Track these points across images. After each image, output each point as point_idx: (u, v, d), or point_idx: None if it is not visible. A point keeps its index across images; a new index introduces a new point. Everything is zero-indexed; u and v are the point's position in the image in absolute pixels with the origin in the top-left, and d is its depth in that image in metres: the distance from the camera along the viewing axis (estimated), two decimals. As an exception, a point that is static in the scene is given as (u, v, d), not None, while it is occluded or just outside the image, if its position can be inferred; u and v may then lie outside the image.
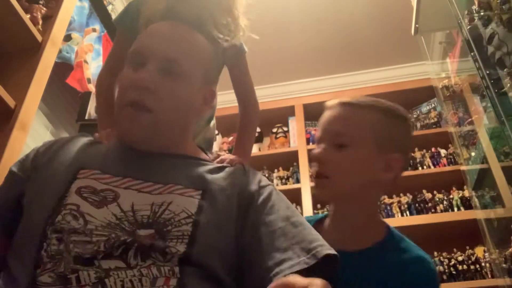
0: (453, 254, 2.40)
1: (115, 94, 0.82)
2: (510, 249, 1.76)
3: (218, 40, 0.99)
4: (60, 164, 0.78)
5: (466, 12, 1.63)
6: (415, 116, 2.99)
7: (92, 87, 2.02)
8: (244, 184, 0.81)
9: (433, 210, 2.55)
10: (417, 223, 2.46)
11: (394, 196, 2.66)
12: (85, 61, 1.98)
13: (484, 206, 2.08)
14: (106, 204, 0.70)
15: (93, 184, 0.73)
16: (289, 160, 2.90)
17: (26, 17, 1.42)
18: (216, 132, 1.49)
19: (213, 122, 1.20)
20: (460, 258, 2.36)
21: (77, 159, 0.79)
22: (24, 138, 1.34)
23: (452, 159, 2.69)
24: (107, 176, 0.75)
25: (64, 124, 2.10)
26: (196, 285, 0.66)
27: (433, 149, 2.78)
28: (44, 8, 1.54)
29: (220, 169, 0.84)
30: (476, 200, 2.21)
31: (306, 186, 2.70)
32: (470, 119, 2.22)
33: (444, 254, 2.41)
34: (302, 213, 2.60)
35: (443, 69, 2.55)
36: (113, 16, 2.33)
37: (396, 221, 2.51)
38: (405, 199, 2.64)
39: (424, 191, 2.62)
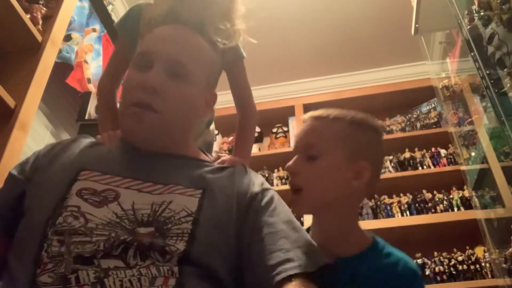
0: (453, 254, 2.40)
1: (120, 94, 0.84)
2: (510, 249, 1.76)
3: (217, 44, 1.01)
4: (62, 166, 0.79)
5: (466, 12, 1.63)
6: (415, 116, 2.99)
7: (92, 87, 2.02)
8: (245, 185, 0.82)
9: (433, 210, 2.55)
10: (417, 223, 2.46)
11: (394, 196, 2.66)
12: (85, 61, 1.98)
13: (484, 206, 2.09)
14: (106, 204, 0.71)
15: (93, 185, 0.74)
16: (289, 160, 2.88)
17: (26, 17, 1.42)
18: (216, 132, 1.50)
19: (212, 126, 1.22)
20: (460, 258, 2.36)
21: (78, 160, 0.80)
22: (24, 138, 1.34)
23: (452, 159, 2.69)
24: (108, 177, 0.76)
25: (64, 124, 2.10)
26: (195, 285, 0.66)
27: (433, 149, 2.78)
28: (44, 8, 1.54)
29: (220, 170, 0.85)
30: (476, 200, 2.21)
31: (306, 186, 2.70)
32: (470, 119, 2.22)
33: (444, 254, 2.41)
34: (302, 213, 2.61)
35: (443, 69, 2.55)
36: (113, 16, 2.33)
37: (396, 221, 2.51)
38: (405, 199, 2.63)
39: (424, 191, 2.62)
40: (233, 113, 1.17)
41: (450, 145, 2.74)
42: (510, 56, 1.43)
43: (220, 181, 0.81)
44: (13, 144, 1.28)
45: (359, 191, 0.90)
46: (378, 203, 2.63)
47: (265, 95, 3.14)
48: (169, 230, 0.69)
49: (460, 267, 2.33)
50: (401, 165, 2.76)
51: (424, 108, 3.02)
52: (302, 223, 2.45)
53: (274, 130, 3.14)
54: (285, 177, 2.88)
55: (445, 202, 2.55)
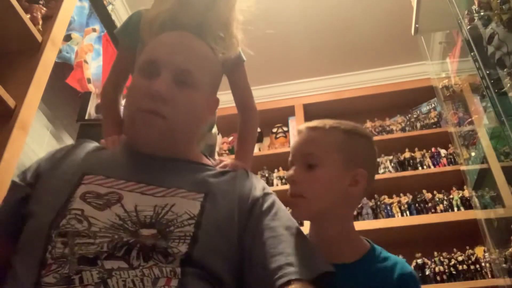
0: (453, 254, 2.40)
1: (126, 100, 0.85)
2: (510, 249, 1.76)
3: (216, 49, 1.02)
4: (66, 170, 0.80)
5: (466, 12, 1.63)
6: (415, 116, 2.99)
7: (92, 87, 2.02)
8: (247, 189, 0.83)
9: (433, 210, 2.55)
10: (417, 223, 2.46)
11: (394, 196, 2.66)
12: (85, 61, 1.98)
13: (484, 206, 2.09)
14: (109, 206, 0.72)
15: (97, 189, 0.75)
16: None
17: (26, 17, 1.42)
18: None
19: (214, 129, 1.23)
20: (460, 258, 2.36)
21: (82, 165, 0.81)
22: (24, 138, 1.35)
23: (452, 159, 2.69)
24: (111, 180, 0.77)
25: (64, 124, 2.10)
26: (197, 286, 0.67)
27: (433, 149, 2.78)
28: (44, 8, 1.54)
29: (222, 174, 0.86)
30: (476, 200, 2.21)
31: (306, 186, 2.70)
32: (470, 119, 2.22)
33: (444, 254, 2.41)
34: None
35: (443, 69, 2.55)
36: (113, 16, 2.33)
37: (396, 221, 2.51)
38: (405, 199, 2.63)
39: (424, 191, 2.62)
40: (233, 113, 1.17)
41: (450, 145, 2.74)
42: (510, 56, 1.43)
43: (222, 185, 0.82)
44: (13, 144, 1.28)
45: (356, 196, 0.96)
46: (378, 203, 2.63)
47: (265, 95, 3.14)
48: (172, 232, 0.70)
49: (460, 267, 2.33)
50: (401, 165, 2.77)
51: (424, 108, 3.02)
52: (302, 223, 2.44)
53: (274, 130, 3.14)
54: (285, 177, 2.88)
55: (445, 202, 2.55)
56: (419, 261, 2.40)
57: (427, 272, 2.36)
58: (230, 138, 3.13)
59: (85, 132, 1.93)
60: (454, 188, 2.60)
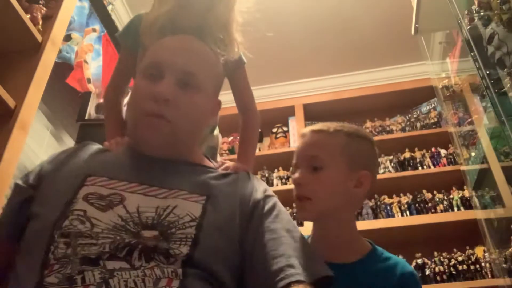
0: (453, 254, 2.39)
1: (129, 102, 0.87)
2: (510, 249, 1.76)
3: (218, 52, 1.02)
4: (69, 172, 0.81)
5: (466, 12, 1.63)
6: (415, 116, 2.99)
7: (92, 87, 2.02)
8: (248, 191, 0.83)
9: (433, 210, 2.54)
10: (417, 223, 2.46)
11: (394, 196, 2.66)
12: (85, 61, 1.98)
13: (484, 206, 2.09)
14: (112, 207, 0.73)
15: (99, 190, 0.75)
16: (289, 160, 2.84)
17: (26, 17, 1.42)
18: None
19: (216, 131, 1.24)
20: (460, 258, 2.36)
21: (85, 166, 0.82)
22: (24, 138, 1.35)
23: (452, 159, 2.69)
24: (114, 182, 0.77)
25: (64, 124, 2.10)
26: (198, 287, 0.67)
27: (433, 149, 2.78)
28: (44, 8, 1.54)
29: (224, 176, 0.87)
30: (476, 200, 2.21)
31: (306, 186, 2.70)
32: (470, 119, 2.22)
33: (444, 254, 2.41)
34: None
35: (443, 69, 2.56)
36: (113, 16, 2.33)
37: (396, 221, 2.51)
38: (405, 199, 2.63)
39: (424, 191, 2.62)
40: (233, 113, 1.17)
41: (450, 145, 2.74)
42: (510, 56, 1.43)
43: (224, 187, 0.82)
44: (13, 144, 1.28)
45: (360, 198, 0.99)
46: (378, 203, 2.63)
47: (265, 95, 3.14)
48: (173, 234, 0.70)
49: (460, 267, 2.33)
50: (401, 165, 2.77)
51: (424, 108, 3.02)
52: (302, 223, 2.44)
53: (274, 130, 3.14)
54: (285, 177, 2.88)
55: (445, 202, 2.55)
56: (419, 261, 2.40)
57: (427, 272, 2.36)
58: (230, 138, 3.13)
59: (85, 132, 1.93)
60: (454, 188, 2.60)
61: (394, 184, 2.63)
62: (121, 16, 2.68)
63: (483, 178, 2.05)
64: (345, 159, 0.94)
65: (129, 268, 0.65)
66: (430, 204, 2.57)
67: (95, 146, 0.91)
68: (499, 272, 1.92)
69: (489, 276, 2.24)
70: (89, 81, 1.99)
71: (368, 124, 3.05)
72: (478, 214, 2.18)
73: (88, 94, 2.04)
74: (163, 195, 0.76)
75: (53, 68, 1.52)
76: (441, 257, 2.40)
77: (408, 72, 3.12)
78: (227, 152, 3.04)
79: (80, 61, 1.96)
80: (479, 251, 2.37)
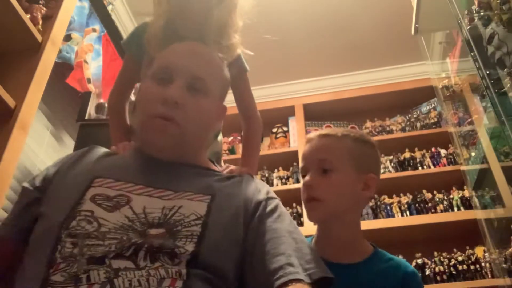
0: (453, 254, 2.40)
1: (137, 106, 0.89)
2: (510, 249, 1.76)
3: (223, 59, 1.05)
4: (77, 174, 0.83)
5: (466, 12, 1.64)
6: (415, 116, 2.99)
7: (92, 87, 2.02)
8: (252, 192, 0.85)
9: (433, 210, 2.55)
10: (417, 223, 2.46)
11: (394, 196, 2.66)
12: (85, 61, 1.98)
13: (484, 206, 2.09)
14: (119, 208, 0.74)
15: (106, 192, 0.77)
16: (289, 160, 2.90)
17: (26, 17, 1.42)
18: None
19: (220, 137, 1.26)
20: (460, 258, 2.36)
21: (93, 169, 0.84)
22: (24, 138, 1.35)
23: (452, 159, 2.69)
24: (120, 183, 0.79)
25: (64, 124, 2.10)
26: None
27: (433, 149, 2.78)
28: (44, 8, 1.54)
29: (229, 178, 0.89)
30: (476, 200, 2.21)
31: (306, 186, 2.70)
32: (470, 119, 2.22)
33: (444, 254, 2.41)
34: (302, 213, 2.61)
35: (443, 69, 2.56)
36: (113, 16, 2.33)
37: (396, 221, 2.51)
38: (405, 199, 2.63)
39: (424, 191, 2.62)
40: (233, 113, 1.18)
41: (450, 145, 2.74)
42: (510, 56, 1.43)
43: (228, 188, 0.84)
44: (13, 144, 1.28)
45: (367, 200, 1.05)
46: (378, 203, 2.63)
47: (265, 95, 3.14)
48: (179, 231, 0.71)
49: (460, 267, 2.33)
50: (401, 165, 2.77)
51: (424, 108, 3.02)
52: (302, 223, 2.43)
53: (274, 130, 3.14)
54: (285, 177, 2.88)
55: (445, 202, 2.55)
56: (419, 261, 2.40)
57: (427, 272, 2.36)
58: (230, 138, 3.13)
59: (85, 132, 1.93)
60: (454, 188, 2.60)
61: (394, 184, 2.63)
62: (121, 16, 2.68)
63: (483, 178, 2.05)
64: (353, 163, 0.98)
65: (134, 268, 0.66)
66: (430, 204, 2.57)
67: (102, 150, 0.93)
68: (499, 272, 1.92)
69: (489, 276, 2.24)
70: (89, 81, 1.99)
71: (368, 124, 3.05)
72: (478, 214, 2.18)
73: (88, 94, 2.04)
74: (168, 197, 0.77)
75: (53, 68, 1.52)
76: (441, 257, 2.40)
77: (408, 72, 3.12)
78: (227, 152, 3.04)
79: (80, 61, 1.96)
80: (479, 251, 2.37)
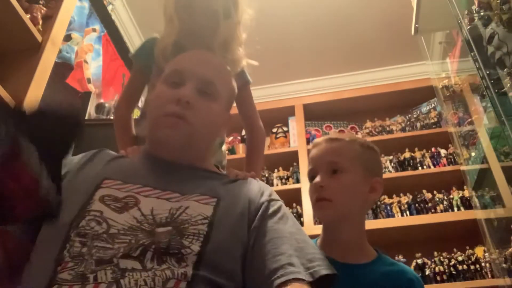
0: (453, 254, 2.40)
1: (149, 109, 0.93)
2: (510, 249, 1.76)
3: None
4: (86, 175, 0.85)
5: (466, 12, 1.64)
6: (415, 116, 2.99)
7: (92, 87, 2.02)
8: (256, 194, 0.86)
9: (433, 210, 2.55)
10: (417, 223, 2.46)
11: (394, 196, 2.66)
12: (85, 61, 1.98)
13: (484, 206, 2.09)
14: (127, 209, 0.75)
15: (114, 193, 0.79)
16: (289, 160, 2.90)
17: (26, 17, 1.42)
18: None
19: (223, 147, 1.30)
20: (460, 258, 2.36)
21: (102, 170, 0.86)
22: (24, 138, 1.34)
23: (452, 159, 2.69)
24: (129, 185, 0.81)
25: (64, 124, 2.10)
26: None
27: (433, 149, 2.78)
28: (44, 8, 1.54)
29: (234, 181, 0.91)
30: (476, 200, 2.21)
31: (306, 186, 2.70)
32: (470, 119, 2.22)
33: (444, 254, 2.41)
34: (302, 213, 2.61)
35: (443, 69, 2.55)
36: (113, 16, 2.33)
37: (396, 221, 2.51)
38: (405, 199, 2.63)
39: (424, 191, 2.62)
40: (233, 112, 1.18)
41: (450, 145, 2.74)
42: (510, 56, 1.43)
43: (233, 190, 0.86)
44: (13, 144, 1.28)
45: (372, 203, 1.14)
46: (378, 203, 2.63)
47: (265, 95, 3.14)
48: (186, 229, 0.73)
49: (460, 267, 2.33)
50: (401, 165, 2.77)
51: (424, 108, 3.02)
52: (302, 223, 2.44)
53: (274, 130, 3.14)
54: (285, 177, 2.88)
55: (445, 202, 2.55)
56: (419, 261, 2.40)
57: (427, 272, 2.36)
58: (230, 138, 3.14)
59: (85, 132, 1.93)
60: (454, 188, 2.60)
61: (394, 184, 2.63)
62: (121, 16, 2.68)
63: (483, 178, 2.05)
64: (361, 166, 1.03)
65: (140, 269, 0.67)
66: (430, 204, 2.57)
67: (112, 153, 0.95)
68: (499, 272, 1.92)
69: (489, 276, 2.24)
70: (89, 81, 1.99)
71: (368, 124, 3.05)
72: (478, 214, 2.18)
73: (88, 94, 2.04)
74: (175, 199, 0.79)
75: (53, 68, 1.52)
76: (441, 257, 2.40)
77: (408, 72, 3.12)
78: (227, 152, 3.04)
79: (80, 61, 1.96)
80: (479, 251, 2.37)
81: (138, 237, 0.71)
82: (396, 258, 2.45)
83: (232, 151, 3.05)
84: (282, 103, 3.16)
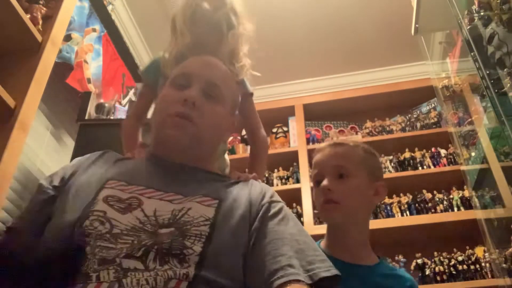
0: (453, 254, 2.40)
1: (155, 111, 0.95)
2: (510, 249, 1.76)
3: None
4: (91, 176, 0.86)
5: (466, 12, 1.63)
6: (415, 116, 2.99)
7: (92, 87, 2.02)
8: (258, 195, 0.87)
9: (433, 210, 2.55)
10: (417, 223, 2.46)
11: (394, 196, 2.66)
12: (85, 61, 1.98)
13: (484, 206, 2.09)
14: (130, 210, 0.76)
15: (118, 194, 0.80)
16: (289, 160, 2.90)
17: (26, 17, 1.42)
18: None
19: (226, 155, 1.35)
20: (460, 258, 2.36)
21: (107, 171, 0.87)
22: (24, 138, 1.35)
23: (452, 159, 2.69)
24: (132, 187, 0.82)
25: (64, 124, 2.10)
26: None
27: (433, 149, 2.78)
28: (44, 8, 1.54)
29: (236, 183, 0.92)
30: (476, 200, 2.21)
31: (306, 186, 2.70)
32: (470, 119, 2.22)
33: (444, 254, 2.41)
34: (302, 213, 2.61)
35: (443, 69, 2.55)
36: (113, 16, 2.33)
37: (396, 221, 2.51)
38: (405, 199, 2.63)
39: (424, 191, 2.62)
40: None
41: (450, 145, 2.74)
42: (510, 56, 1.43)
43: (235, 192, 0.86)
44: (13, 144, 1.28)
45: (375, 206, 1.10)
46: (378, 203, 2.63)
47: (265, 95, 3.14)
48: (188, 230, 0.74)
49: (460, 267, 2.33)
50: (401, 165, 2.77)
51: (424, 108, 3.02)
52: (302, 223, 2.44)
53: (274, 130, 3.14)
54: (285, 177, 2.88)
55: (445, 202, 2.55)
56: (419, 261, 2.40)
57: (427, 272, 2.36)
58: (230, 138, 3.13)
59: (85, 132, 1.93)
60: (454, 188, 2.60)
61: (394, 184, 2.63)
62: (121, 16, 2.68)
63: (483, 178, 2.05)
64: (366, 170, 1.06)
65: (143, 269, 0.67)
66: (430, 204, 2.57)
67: (117, 154, 0.97)
68: (499, 272, 1.92)
69: (489, 276, 2.24)
70: (89, 81, 1.99)
71: (368, 124, 3.05)
72: (478, 214, 2.18)
73: (88, 94, 2.04)
74: (178, 201, 0.80)
75: (53, 68, 1.52)
76: (441, 257, 2.40)
77: (408, 72, 3.12)
78: (228, 153, 3.04)
79: (80, 61, 1.96)
80: (479, 251, 2.37)
81: (140, 237, 0.71)
82: (396, 258, 2.46)
83: (232, 151, 3.05)
84: (282, 103, 3.16)
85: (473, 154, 2.14)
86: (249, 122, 1.30)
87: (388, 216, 2.57)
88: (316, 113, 3.10)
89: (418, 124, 2.93)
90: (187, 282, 0.67)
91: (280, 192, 0.97)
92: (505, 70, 1.44)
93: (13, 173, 1.32)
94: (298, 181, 2.80)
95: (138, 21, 2.79)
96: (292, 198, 2.64)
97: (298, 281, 0.69)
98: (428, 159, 2.74)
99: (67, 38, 1.85)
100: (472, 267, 2.32)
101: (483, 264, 2.30)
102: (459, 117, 2.40)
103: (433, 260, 2.40)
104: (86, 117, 2.00)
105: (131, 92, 2.46)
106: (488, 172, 1.94)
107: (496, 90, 1.42)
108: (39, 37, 1.46)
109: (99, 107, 2.09)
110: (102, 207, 0.76)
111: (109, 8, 2.28)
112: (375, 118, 3.07)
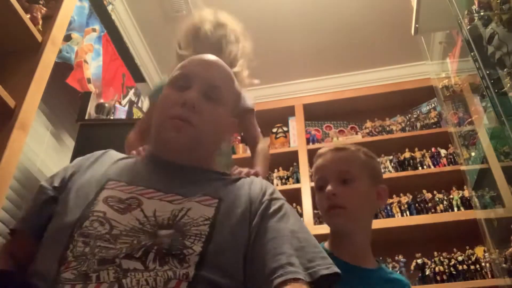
0: (453, 254, 2.40)
1: (155, 112, 0.94)
2: (510, 249, 1.76)
3: None
4: (92, 176, 0.86)
5: (466, 12, 1.63)
6: (415, 116, 2.99)
7: (92, 87, 2.02)
8: (258, 193, 0.86)
9: (433, 210, 2.55)
10: (417, 223, 2.46)
11: (394, 196, 2.66)
12: (85, 61, 1.98)
13: (484, 206, 2.08)
14: (130, 210, 0.77)
15: (118, 194, 0.80)
16: (289, 160, 2.90)
17: (26, 17, 1.42)
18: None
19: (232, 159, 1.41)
20: (460, 258, 2.36)
21: (107, 171, 0.87)
22: (24, 138, 1.35)
23: (452, 159, 2.69)
24: (132, 187, 0.82)
25: (64, 124, 2.10)
26: None
27: (433, 149, 2.78)
28: (44, 8, 1.54)
29: (236, 180, 0.91)
30: (476, 200, 2.21)
31: (306, 186, 2.70)
32: (470, 119, 2.22)
33: (444, 254, 2.41)
34: (302, 213, 2.61)
35: (443, 69, 2.55)
36: (113, 16, 2.33)
37: (396, 221, 2.51)
38: (405, 199, 2.63)
39: (424, 191, 2.62)
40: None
41: (450, 145, 2.74)
42: (510, 56, 1.43)
43: (235, 191, 0.86)
44: (13, 144, 1.28)
45: (377, 209, 1.12)
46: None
47: (265, 95, 3.14)
48: (188, 230, 0.74)
49: (460, 267, 2.33)
50: (401, 165, 2.77)
51: (424, 108, 3.02)
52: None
53: (274, 130, 3.14)
54: (285, 177, 2.88)
55: (445, 202, 2.55)
56: (419, 261, 2.40)
57: (427, 272, 2.36)
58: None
59: (85, 132, 1.93)
60: (454, 188, 2.60)
61: (394, 184, 2.63)
62: (121, 16, 2.68)
63: (483, 178, 2.04)
64: (368, 174, 1.07)
65: (142, 270, 0.67)
66: (430, 204, 2.57)
67: (118, 154, 0.97)
68: (499, 272, 1.92)
69: (489, 276, 2.24)
70: (89, 81, 1.99)
71: (368, 124, 3.05)
72: (478, 214, 2.18)
73: (88, 94, 2.04)
74: (178, 202, 0.80)
75: (53, 68, 1.52)
76: (441, 257, 2.40)
77: (408, 72, 3.12)
78: (227, 152, 3.04)
79: (80, 61, 1.96)
80: (479, 251, 2.37)
81: (140, 238, 0.71)
82: (396, 258, 2.46)
83: (232, 151, 3.05)
84: (282, 103, 3.16)
85: (473, 154, 2.14)
86: (250, 136, 1.35)
87: (388, 216, 2.57)
88: (316, 113, 3.10)
89: (418, 124, 2.93)
90: (187, 282, 0.67)
91: (280, 192, 0.96)
92: (505, 70, 1.44)
93: (13, 173, 1.32)
94: (298, 181, 2.80)
95: (138, 21, 2.78)
96: (292, 198, 2.64)
97: (298, 279, 0.69)
98: (428, 159, 2.74)
99: (67, 38, 1.85)
100: (472, 267, 2.32)
101: (483, 264, 2.30)
102: (459, 117, 2.40)
103: (433, 260, 2.40)
104: (86, 117, 2.00)
105: (131, 92, 2.46)
106: (488, 172, 1.94)
107: (496, 90, 1.42)
108: (39, 37, 1.46)
109: (99, 107, 2.09)
110: (102, 207, 0.76)
111: (109, 8, 2.28)
112: (375, 118, 3.07)
